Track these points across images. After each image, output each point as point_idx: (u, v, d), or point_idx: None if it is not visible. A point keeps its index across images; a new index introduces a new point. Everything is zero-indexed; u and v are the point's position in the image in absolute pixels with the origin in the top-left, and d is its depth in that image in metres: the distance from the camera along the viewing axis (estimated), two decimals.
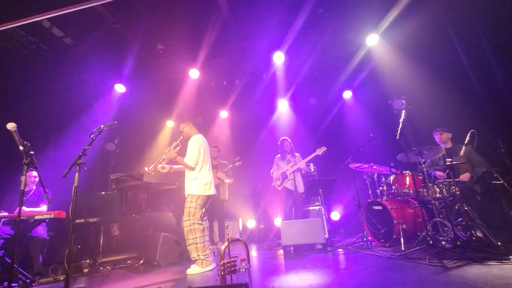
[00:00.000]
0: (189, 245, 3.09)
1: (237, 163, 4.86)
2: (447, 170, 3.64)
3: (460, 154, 3.16)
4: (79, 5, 4.02)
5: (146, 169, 3.26)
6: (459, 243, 2.75)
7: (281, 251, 3.89)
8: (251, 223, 6.02)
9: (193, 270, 3.01)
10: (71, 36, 5.13)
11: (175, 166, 3.46)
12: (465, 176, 3.47)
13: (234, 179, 4.94)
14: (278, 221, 5.49)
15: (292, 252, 3.74)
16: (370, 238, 3.68)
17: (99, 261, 3.95)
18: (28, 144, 2.22)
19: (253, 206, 6.17)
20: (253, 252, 4.14)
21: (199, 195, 3.19)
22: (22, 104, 4.58)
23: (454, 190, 3.15)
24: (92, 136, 2.45)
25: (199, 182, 3.23)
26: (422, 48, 4.79)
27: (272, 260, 3.41)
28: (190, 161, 3.21)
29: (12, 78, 4.56)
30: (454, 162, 3.20)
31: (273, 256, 3.66)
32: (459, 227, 3.17)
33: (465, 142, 3.12)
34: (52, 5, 4.06)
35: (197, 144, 3.31)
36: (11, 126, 2.15)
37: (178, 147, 3.43)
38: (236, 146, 6.85)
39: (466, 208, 2.98)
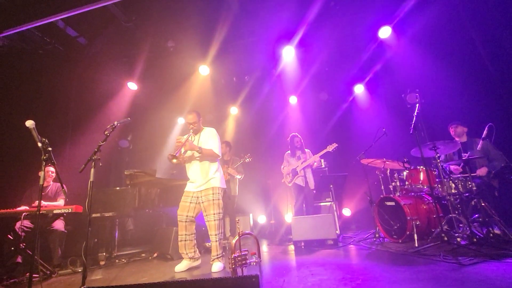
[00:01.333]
0: (216, 241, 2.92)
1: (247, 159, 4.87)
2: (462, 164, 3.55)
3: (477, 148, 3.06)
4: (92, 4, 4.11)
5: (172, 158, 2.83)
6: (475, 240, 2.68)
7: (292, 247, 3.90)
8: (262, 219, 6.05)
9: (218, 266, 2.86)
10: (84, 35, 5.25)
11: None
12: (481, 171, 3.36)
13: (245, 175, 4.97)
14: (288, 217, 5.49)
15: (303, 247, 3.74)
16: (382, 234, 3.63)
17: (115, 254, 4.08)
18: (46, 141, 2.30)
19: (264, 201, 6.20)
20: (264, 247, 4.17)
21: (222, 188, 3.12)
22: (39, 103, 4.74)
23: (470, 186, 3.06)
24: (106, 132, 2.51)
25: (220, 175, 3.15)
26: (438, 40, 4.64)
27: (282, 255, 3.42)
28: (219, 151, 3.11)
29: (30, 78, 4.72)
30: (470, 157, 3.10)
31: (283, 251, 3.67)
32: (475, 223, 3.08)
33: (483, 136, 3.02)
34: (67, 5, 4.17)
35: (218, 136, 3.22)
36: (29, 123, 2.23)
37: (193, 139, 3.21)
38: (246, 142, 6.87)
39: (483, 204, 2.89)
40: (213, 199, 2.98)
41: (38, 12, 4.23)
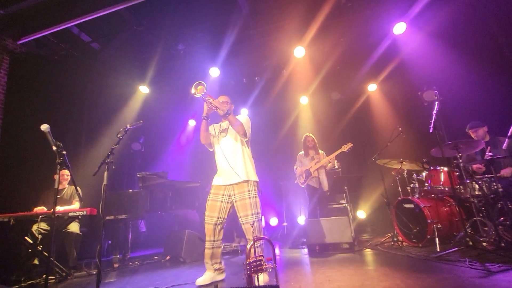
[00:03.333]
0: (257, 247, 2.37)
1: None
2: (485, 163, 3.36)
3: (503, 147, 2.89)
4: (105, 10, 4.18)
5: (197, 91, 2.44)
6: (503, 244, 2.52)
7: (305, 250, 3.81)
8: (274, 221, 5.97)
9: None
10: (98, 41, 5.35)
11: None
12: (506, 171, 3.16)
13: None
14: (301, 219, 5.40)
15: (317, 251, 3.64)
16: (400, 238, 3.49)
17: (128, 257, 4.09)
18: (61, 145, 2.32)
19: (276, 203, 6.13)
20: (277, 250, 4.09)
21: (257, 181, 2.62)
22: (55, 107, 4.84)
23: (495, 187, 2.89)
24: (119, 135, 2.51)
25: (253, 166, 2.67)
26: (457, 35, 4.44)
27: (297, 259, 3.33)
28: (247, 129, 2.63)
29: (45, 83, 4.83)
30: (495, 156, 2.93)
31: (297, 255, 3.59)
32: (500, 227, 2.90)
33: (509, 134, 2.85)
34: (80, 11, 4.26)
35: (249, 122, 2.75)
36: (44, 127, 2.25)
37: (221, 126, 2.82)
38: (257, 144, 6.79)
39: (510, 206, 2.72)
40: (250, 197, 2.48)
41: (54, 19, 4.34)
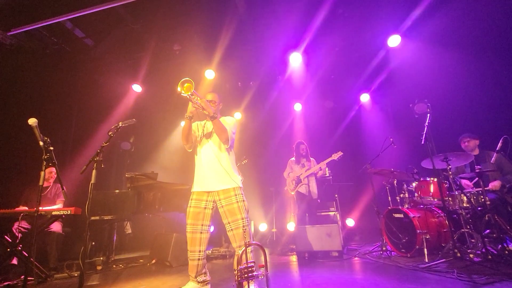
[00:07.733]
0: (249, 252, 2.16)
1: (244, 161, 4.76)
2: (475, 180, 3.44)
3: (491, 161, 2.96)
4: (100, 6, 4.11)
5: (182, 92, 2.25)
6: (490, 257, 2.56)
7: (295, 257, 3.78)
8: (263, 227, 5.92)
9: None
10: (91, 37, 5.24)
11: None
12: (494, 184, 3.24)
13: (247, 181, 4.86)
14: (291, 226, 5.37)
15: (306, 258, 3.62)
16: (389, 247, 3.51)
17: (112, 259, 3.96)
18: (48, 140, 2.23)
19: (265, 209, 6.09)
20: None
21: (241, 187, 2.49)
22: (43, 102, 4.69)
23: (483, 200, 2.95)
24: (110, 133, 2.44)
25: (238, 172, 2.60)
26: (448, 49, 4.57)
27: (286, 267, 3.30)
28: (231, 135, 2.47)
29: (35, 77, 4.69)
30: (483, 170, 3.00)
31: (286, 262, 3.55)
32: (486, 239, 2.95)
33: (497, 148, 2.92)
34: (75, 6, 4.17)
35: (237, 125, 2.65)
36: (32, 121, 2.17)
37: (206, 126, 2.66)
38: (249, 148, 6.78)
39: (497, 219, 2.78)
40: (237, 201, 2.32)
41: (47, 12, 4.23)
